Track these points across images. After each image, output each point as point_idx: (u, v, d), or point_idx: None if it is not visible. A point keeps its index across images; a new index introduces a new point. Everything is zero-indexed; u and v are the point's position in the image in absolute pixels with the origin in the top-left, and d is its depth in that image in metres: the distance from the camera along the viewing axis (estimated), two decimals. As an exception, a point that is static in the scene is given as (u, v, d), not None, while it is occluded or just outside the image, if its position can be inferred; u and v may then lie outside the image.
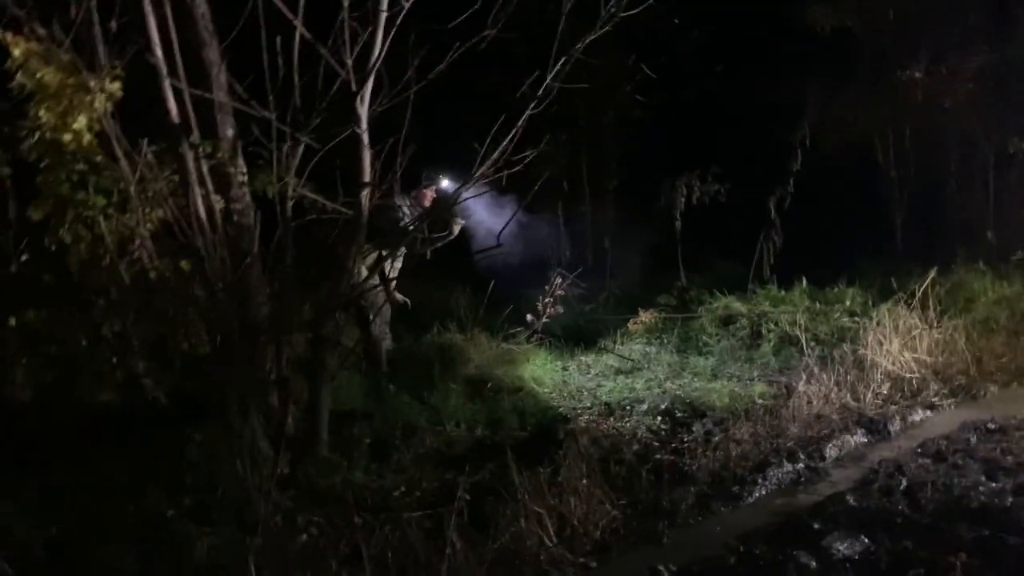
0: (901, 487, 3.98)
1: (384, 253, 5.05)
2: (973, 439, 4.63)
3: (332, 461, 4.41)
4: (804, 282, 7.16)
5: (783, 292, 7.07)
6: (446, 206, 5.56)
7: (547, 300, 6.69)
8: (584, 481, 4.03)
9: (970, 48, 7.20)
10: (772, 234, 7.43)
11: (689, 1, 7.26)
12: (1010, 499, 3.68)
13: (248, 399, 4.26)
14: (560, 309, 6.82)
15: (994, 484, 3.92)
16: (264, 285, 4.48)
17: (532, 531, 3.66)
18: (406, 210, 6.02)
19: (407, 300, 6.12)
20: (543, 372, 6.09)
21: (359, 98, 4.22)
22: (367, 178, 4.32)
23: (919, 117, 7.62)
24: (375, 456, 4.53)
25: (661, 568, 3.39)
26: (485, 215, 7.04)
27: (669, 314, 7.10)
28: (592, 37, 4.76)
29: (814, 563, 3.17)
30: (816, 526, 3.56)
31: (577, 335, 7.09)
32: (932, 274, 6.07)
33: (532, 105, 4.82)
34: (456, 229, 5.93)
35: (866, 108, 7.70)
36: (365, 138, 4.28)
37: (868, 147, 8.15)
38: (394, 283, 5.86)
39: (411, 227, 5.56)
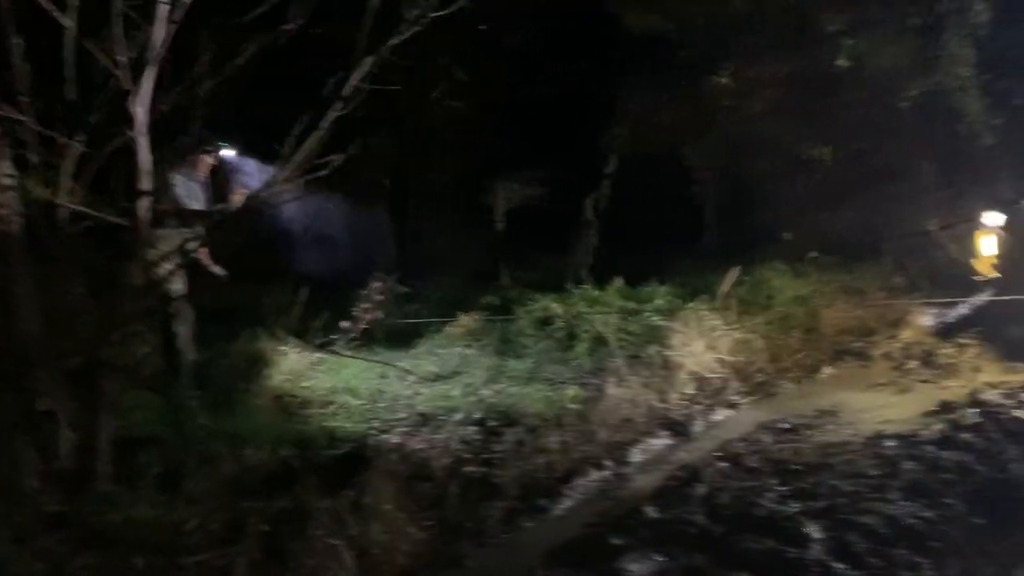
0: (699, 494, 4.11)
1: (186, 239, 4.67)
2: (767, 439, 4.87)
3: (113, 496, 4.03)
4: (619, 282, 7.34)
5: (599, 292, 7.22)
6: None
7: (366, 305, 6.47)
8: (389, 505, 3.90)
9: (774, 57, 7.61)
10: (589, 234, 7.56)
11: (511, 2, 7.24)
12: (794, 505, 3.87)
13: (14, 431, 3.82)
14: (380, 314, 6.61)
15: (782, 489, 4.12)
16: (34, 301, 4.03)
17: (330, 565, 3.49)
18: (180, 182, 5.36)
19: (224, 272, 5.59)
20: (359, 381, 5.87)
21: (134, 98, 3.83)
22: (146, 186, 3.94)
23: (728, 122, 7.98)
24: (166, 487, 4.18)
25: (458, 599, 3.32)
26: (302, 213, 6.73)
27: (490, 316, 7.08)
28: (399, 39, 4.61)
29: (606, 587, 3.19)
30: (617, 542, 3.60)
31: (398, 339, 6.93)
32: (734, 274, 6.34)
33: (339, 106, 4.62)
34: (237, 200, 5.46)
35: (679, 112, 7.98)
36: (143, 142, 3.90)
37: (682, 150, 8.46)
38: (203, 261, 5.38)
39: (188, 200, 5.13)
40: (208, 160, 5.59)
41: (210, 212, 5.35)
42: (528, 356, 6.38)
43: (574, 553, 3.64)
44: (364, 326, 6.38)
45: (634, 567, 3.29)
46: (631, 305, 6.94)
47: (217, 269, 5.54)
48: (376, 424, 5.18)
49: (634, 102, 7.81)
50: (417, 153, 8.80)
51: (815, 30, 7.26)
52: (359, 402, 5.52)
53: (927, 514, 3.70)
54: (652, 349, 6.00)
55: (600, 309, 6.75)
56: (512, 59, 7.69)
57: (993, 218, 6.03)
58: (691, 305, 6.34)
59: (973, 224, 6.39)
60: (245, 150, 5.85)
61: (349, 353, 6.20)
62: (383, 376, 6.07)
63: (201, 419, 4.91)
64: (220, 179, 5.76)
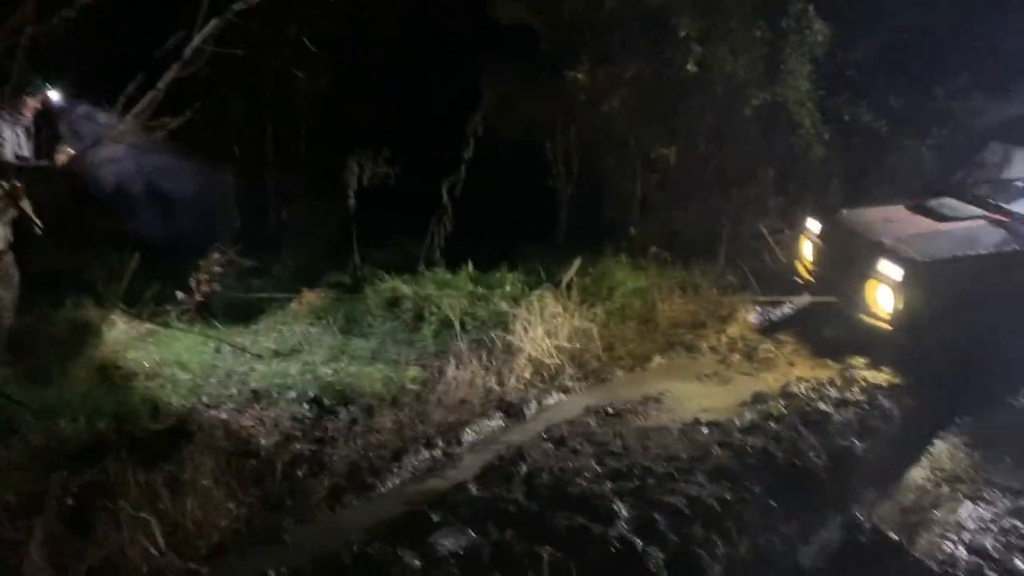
0: (521, 473, 4.24)
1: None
2: (593, 423, 5.07)
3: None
4: (470, 266, 7.42)
5: (450, 275, 7.28)
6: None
7: (203, 276, 6.26)
8: (207, 480, 3.83)
9: (629, 58, 7.85)
10: (444, 218, 7.59)
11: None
12: (608, 485, 4.06)
13: None
14: (217, 286, 6.41)
15: (600, 469, 4.31)
16: None
17: (137, 539, 3.39)
18: (4, 129, 5.01)
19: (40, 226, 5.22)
20: (191, 355, 5.68)
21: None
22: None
23: (584, 116, 8.18)
24: (-39, 459, 3.94)
25: (271, 572, 3.31)
26: (143, 174, 6.41)
27: (338, 294, 7.00)
28: (245, 4, 4.50)
29: (418, 562, 3.25)
30: (435, 518, 3.68)
31: (239, 314, 6.73)
32: (576, 264, 6.53)
33: (179, 66, 4.47)
34: (61, 159, 5.15)
35: (538, 103, 8.10)
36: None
37: (541, 140, 8.60)
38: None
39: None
40: (32, 103, 5.21)
41: (32, 163, 5.01)
42: (373, 336, 6.36)
43: (393, 529, 3.69)
44: (200, 298, 6.17)
45: (446, 542, 3.37)
46: (480, 290, 7.02)
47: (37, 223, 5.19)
48: (205, 399, 5.04)
49: (494, 89, 7.87)
50: (274, 123, 8.55)
51: (668, 35, 7.54)
52: (188, 376, 5.36)
53: (727, 496, 3.98)
54: (496, 333, 6.11)
55: (450, 292, 6.80)
56: (373, 36, 7.59)
57: (813, 225, 6.48)
58: (536, 292, 6.48)
59: (798, 230, 6.84)
60: (79, 94, 5.49)
61: (182, 326, 5.98)
62: (218, 351, 5.90)
63: (10, 389, 4.64)
64: (48, 123, 5.42)
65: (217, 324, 6.38)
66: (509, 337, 5.98)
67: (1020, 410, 5.23)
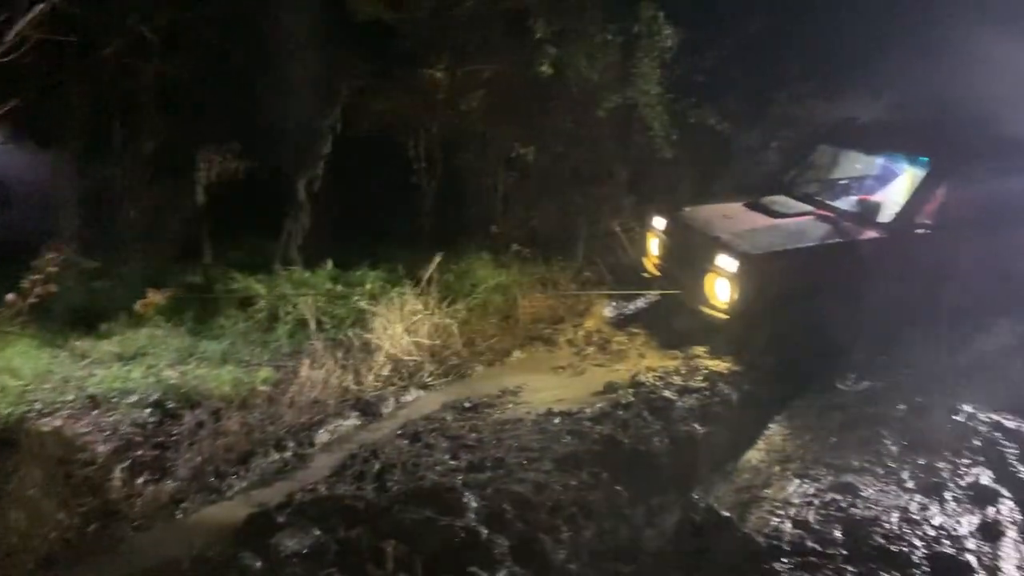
0: (374, 471, 4.24)
1: None
2: (449, 418, 5.11)
3: None
4: (330, 264, 7.31)
5: (308, 274, 7.15)
6: None
7: (37, 277, 5.86)
8: (33, 491, 3.61)
9: (486, 58, 7.94)
10: (300, 215, 7.44)
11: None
12: (460, 478, 4.11)
13: None
14: (54, 288, 6.02)
15: (453, 463, 4.36)
16: None
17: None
18: None
19: None
20: (24, 361, 5.33)
21: None
22: None
23: (444, 114, 8.21)
24: None
25: (103, 583, 3.16)
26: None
27: (188, 295, 6.73)
28: None
29: (259, 563, 3.19)
30: (280, 519, 3.62)
31: (80, 317, 6.36)
32: (437, 261, 6.55)
33: None
34: None
35: (399, 101, 8.07)
36: None
37: (402, 137, 8.57)
38: None
39: None
40: None
41: None
42: (224, 338, 6.15)
43: (236, 532, 3.60)
44: (34, 300, 5.78)
45: (290, 542, 3.33)
46: (340, 288, 6.94)
47: None
48: (37, 407, 4.75)
49: (351, 85, 7.76)
50: (120, 115, 8.10)
51: (525, 37, 7.68)
52: (20, 383, 5.02)
53: (574, 483, 4.11)
54: (354, 332, 6.06)
55: (307, 291, 6.68)
56: (224, 27, 7.32)
57: (658, 222, 6.76)
58: (397, 290, 6.46)
59: (647, 227, 7.11)
60: None
61: (14, 330, 5.60)
62: (55, 356, 5.56)
63: None
64: None
65: (55, 328, 6.01)
66: (368, 335, 5.95)
67: (846, 392, 5.62)
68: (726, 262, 5.69)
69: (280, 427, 4.79)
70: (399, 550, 3.23)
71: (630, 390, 5.52)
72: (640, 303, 7.55)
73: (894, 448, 4.66)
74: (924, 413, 5.08)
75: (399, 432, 4.84)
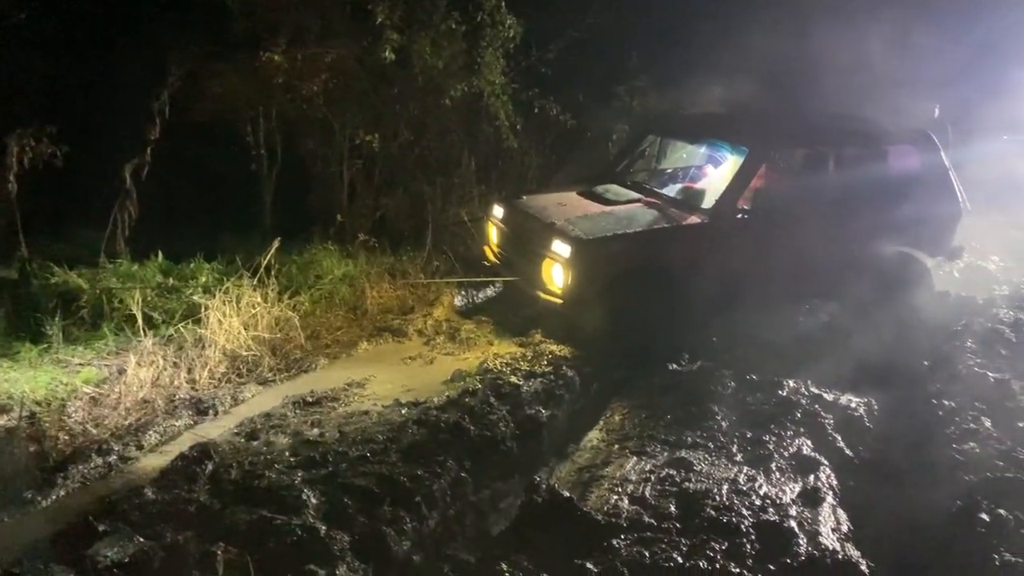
0: (207, 472, 4.02)
1: None
2: (290, 413, 4.93)
3: None
4: (160, 256, 6.91)
5: (137, 267, 6.71)
6: None
7: None
8: None
9: (328, 42, 7.70)
10: (127, 204, 6.97)
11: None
12: (299, 474, 3.97)
13: None
14: None
15: (293, 459, 4.21)
16: None
17: None
18: None
19: None
20: None
21: None
22: None
23: (285, 100, 7.91)
24: None
25: None
26: None
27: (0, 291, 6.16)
28: None
29: (73, 576, 2.96)
30: (101, 528, 3.37)
31: None
32: (274, 247, 6.32)
33: None
34: None
35: (235, 85, 7.69)
36: None
37: (240, 123, 8.19)
38: None
39: None
40: None
41: None
42: (43, 337, 5.67)
43: (53, 544, 3.33)
44: None
45: (110, 552, 3.10)
46: (172, 282, 6.56)
47: None
48: None
49: (182, 67, 7.33)
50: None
51: (367, 20, 7.51)
52: None
53: (419, 472, 4.06)
54: (187, 327, 5.75)
55: (136, 285, 6.26)
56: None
57: (497, 210, 6.81)
58: (235, 282, 6.17)
59: (487, 216, 7.15)
60: None
61: None
62: None
63: None
64: None
65: None
66: (202, 331, 5.65)
67: (681, 372, 5.86)
68: (560, 247, 5.80)
69: (104, 430, 4.46)
70: (230, 553, 3.07)
71: (478, 377, 5.54)
72: (490, 291, 7.59)
73: (725, 423, 4.91)
74: (752, 389, 5.39)
75: (235, 431, 4.62)
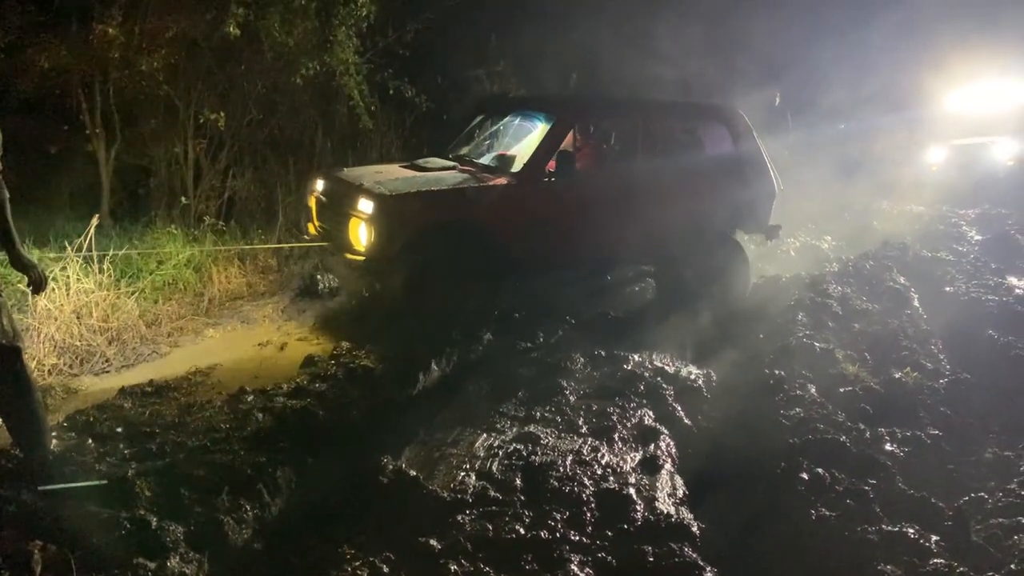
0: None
1: None
2: (128, 405, 4.70)
3: None
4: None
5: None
6: None
7: None
8: None
9: (166, 15, 7.31)
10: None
11: None
12: (132, 467, 3.79)
13: None
14: None
15: (127, 452, 4.03)
16: None
17: None
18: None
19: None
20: None
21: None
22: None
23: (121, 75, 7.47)
24: None
25: None
26: None
27: None
28: None
29: None
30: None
31: None
32: (94, 223, 5.97)
33: None
34: None
35: (65, 59, 7.19)
36: None
37: (73, 100, 7.68)
38: None
39: None
40: None
41: None
42: None
43: None
44: None
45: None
46: (-6, 269, 6.08)
47: None
48: None
49: (4, 38, 6.79)
50: None
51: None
52: None
53: (262, 460, 3.96)
54: (13, 317, 5.34)
55: (-49, 274, 5.77)
56: None
57: (318, 183, 6.69)
58: (62, 268, 5.79)
59: (308, 191, 6.93)
60: None
61: None
62: None
63: None
64: None
65: None
66: (28, 320, 5.29)
67: (534, 348, 5.96)
68: (364, 205, 5.78)
69: None
70: (49, 551, 2.90)
71: (331, 362, 5.45)
72: (344, 273, 7.46)
73: (572, 397, 5.06)
74: (599, 364, 5.57)
75: (65, 424, 4.36)
